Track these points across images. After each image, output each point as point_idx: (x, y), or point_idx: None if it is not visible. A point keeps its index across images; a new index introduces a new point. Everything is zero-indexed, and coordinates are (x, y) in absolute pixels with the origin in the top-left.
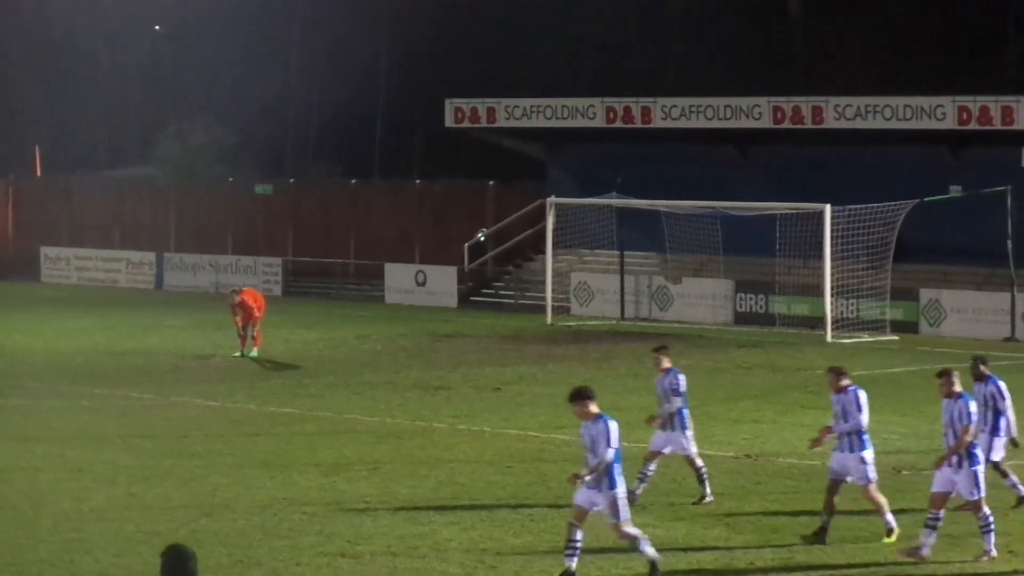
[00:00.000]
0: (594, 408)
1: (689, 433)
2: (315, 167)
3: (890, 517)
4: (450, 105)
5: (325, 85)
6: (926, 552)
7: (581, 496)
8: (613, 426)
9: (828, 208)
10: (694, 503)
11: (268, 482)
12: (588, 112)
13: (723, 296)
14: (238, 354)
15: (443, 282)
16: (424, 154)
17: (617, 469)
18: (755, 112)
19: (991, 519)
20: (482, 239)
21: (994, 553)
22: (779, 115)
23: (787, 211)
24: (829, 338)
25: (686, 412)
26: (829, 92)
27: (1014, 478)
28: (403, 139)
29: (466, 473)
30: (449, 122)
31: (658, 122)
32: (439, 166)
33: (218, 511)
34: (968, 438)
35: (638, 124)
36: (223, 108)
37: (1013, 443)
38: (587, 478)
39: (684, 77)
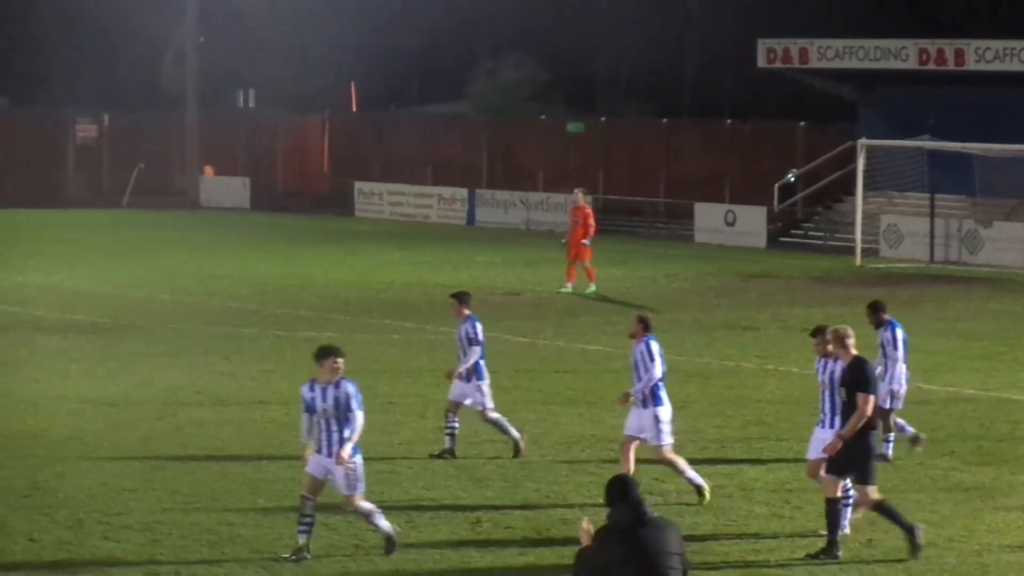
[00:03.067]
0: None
1: (484, 386)
2: (626, 106)
3: None
4: (763, 45)
5: (637, 23)
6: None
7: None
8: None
9: None
10: (513, 456)
11: (576, 418)
12: (900, 54)
13: None
14: (582, 290)
15: (752, 222)
16: (734, 94)
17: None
18: None
19: (850, 492)
20: (792, 180)
21: (847, 531)
22: None
23: None
24: None
25: (483, 363)
26: None
27: (891, 435)
28: (713, 79)
29: (773, 413)
30: (761, 62)
31: (971, 65)
32: (749, 106)
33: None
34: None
35: (951, 67)
36: (535, 46)
37: (891, 395)
38: None
39: (998, 18)
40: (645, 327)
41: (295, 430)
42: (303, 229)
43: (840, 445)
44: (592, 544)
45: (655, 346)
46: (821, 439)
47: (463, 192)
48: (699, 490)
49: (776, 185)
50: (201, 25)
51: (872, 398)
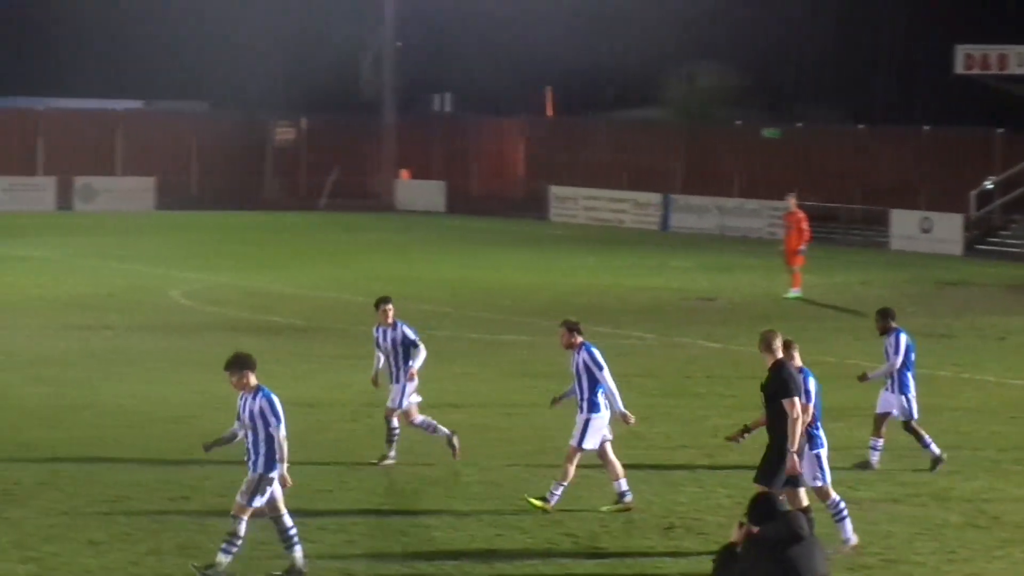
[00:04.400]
0: None
1: (401, 387)
2: (821, 111)
3: None
4: (960, 51)
5: (832, 29)
6: None
7: None
8: None
9: None
10: (374, 463)
11: None
12: None
13: None
14: (792, 295)
15: (949, 229)
16: (930, 100)
17: None
18: None
19: (842, 505)
20: (990, 187)
21: (854, 541)
22: None
23: None
24: None
25: (412, 364)
26: None
27: (880, 442)
28: (909, 85)
29: (968, 422)
30: (959, 68)
31: None
32: (946, 112)
33: (719, 452)
34: (807, 418)
35: None
36: (731, 51)
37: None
38: None
39: None
40: (578, 332)
41: (490, 431)
42: (497, 233)
43: (795, 459)
44: (744, 558)
45: (597, 352)
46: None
47: (657, 197)
48: (543, 499)
49: (972, 192)
50: (398, 30)
51: (798, 400)
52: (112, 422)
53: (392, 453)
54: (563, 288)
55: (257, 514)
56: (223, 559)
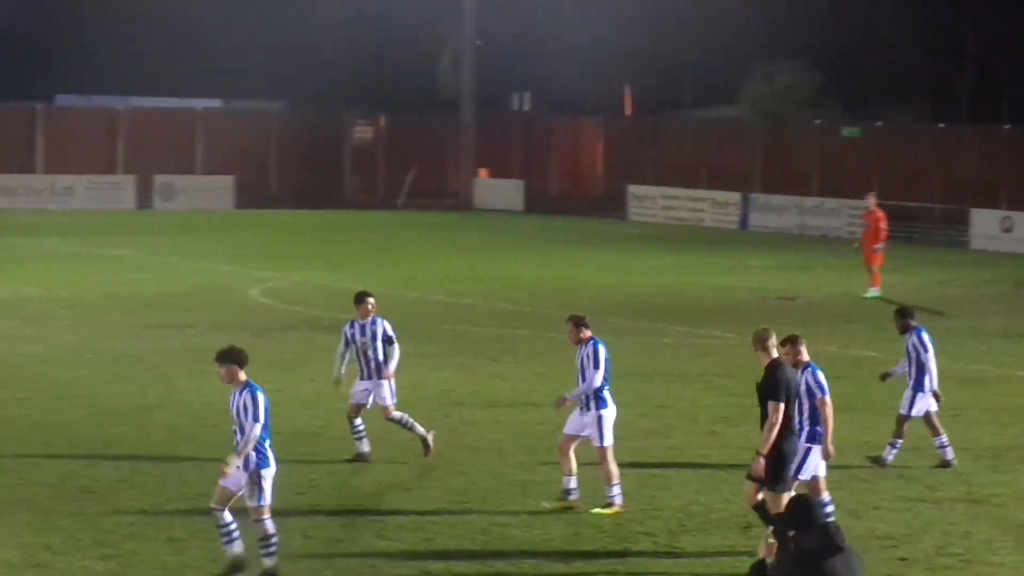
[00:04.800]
0: None
1: (389, 385)
2: (900, 110)
3: None
4: None
5: (913, 28)
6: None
7: None
8: None
9: None
10: (423, 454)
11: (848, 424)
12: None
13: None
14: (871, 294)
15: None
16: (1014, 99)
17: None
18: None
19: (831, 508)
20: None
21: None
22: None
23: None
24: None
25: (388, 366)
26: None
27: (944, 438)
28: (990, 83)
29: None
30: None
31: None
32: None
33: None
34: (828, 409)
35: None
36: (810, 50)
37: (935, 397)
38: None
39: None
40: (585, 327)
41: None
42: (576, 232)
43: (763, 463)
44: (781, 570)
45: (602, 350)
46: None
47: (736, 196)
48: (608, 504)
49: None
50: (478, 29)
51: (782, 405)
52: (191, 421)
53: (422, 431)
54: (641, 287)
55: (222, 506)
56: (269, 563)
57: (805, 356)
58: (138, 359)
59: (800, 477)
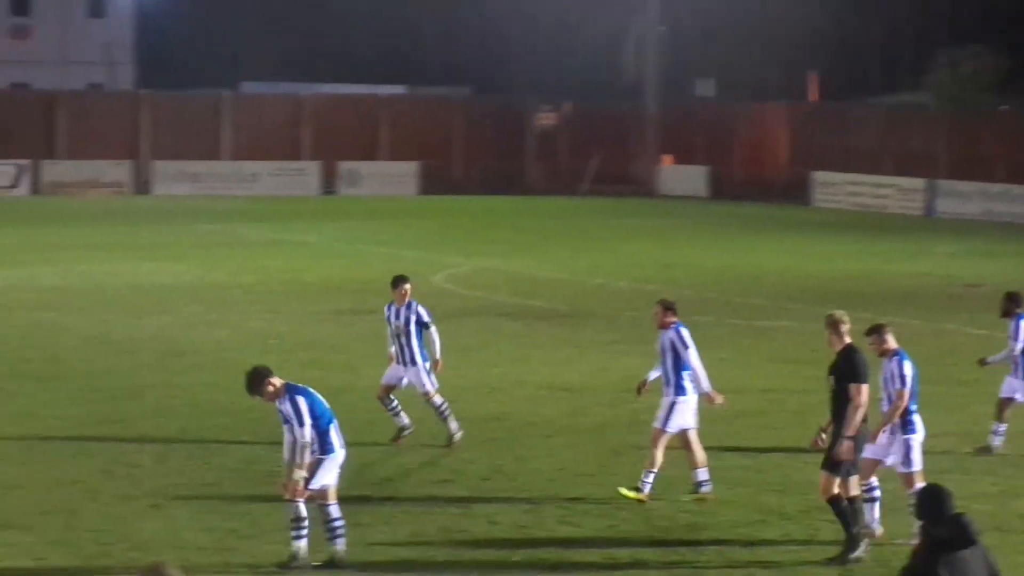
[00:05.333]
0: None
1: (426, 366)
2: None
3: None
4: None
5: None
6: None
7: None
8: None
9: None
10: (445, 445)
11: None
12: None
13: None
14: None
15: None
16: None
17: None
18: None
19: (875, 489)
20: None
21: (878, 531)
22: None
23: None
24: None
25: (421, 345)
26: None
27: (1004, 427)
28: None
29: None
30: None
31: None
32: None
33: (983, 439)
34: (902, 403)
35: None
36: (996, 36)
37: None
38: None
39: None
40: (673, 312)
41: (750, 417)
42: (760, 218)
43: (848, 445)
44: (914, 560)
45: (686, 333)
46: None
47: (922, 182)
48: (697, 487)
49: None
50: (662, 14)
51: (864, 387)
52: (375, 405)
53: (454, 426)
54: (825, 274)
55: (316, 497)
56: (339, 547)
57: (893, 344)
58: (322, 344)
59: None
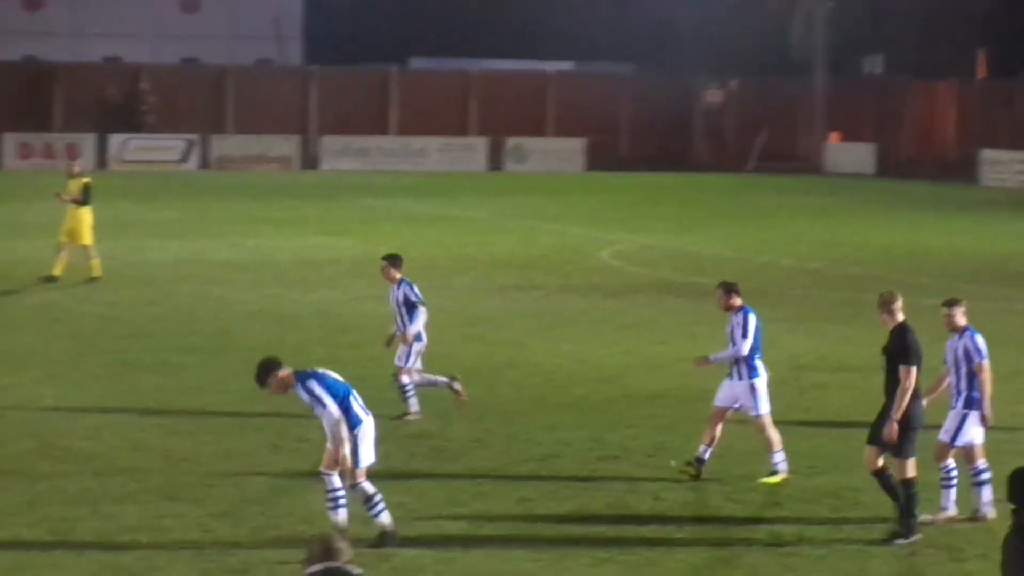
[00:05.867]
0: None
1: (412, 346)
2: None
3: None
4: None
5: None
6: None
7: None
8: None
9: None
10: (395, 418)
11: None
12: None
13: None
14: None
15: None
16: None
17: None
18: None
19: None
20: None
21: (952, 512)
22: None
23: None
24: None
25: (408, 328)
26: None
27: None
28: None
29: None
30: None
31: None
32: None
33: None
34: (989, 374)
35: None
36: None
37: None
38: None
39: None
40: (736, 294)
41: None
42: (926, 196)
43: (894, 427)
44: (1006, 545)
45: (752, 318)
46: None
47: None
48: (773, 473)
49: None
50: None
51: (914, 369)
52: (541, 381)
53: (413, 410)
54: (993, 253)
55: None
56: (384, 520)
57: (962, 320)
58: (489, 320)
59: (956, 444)
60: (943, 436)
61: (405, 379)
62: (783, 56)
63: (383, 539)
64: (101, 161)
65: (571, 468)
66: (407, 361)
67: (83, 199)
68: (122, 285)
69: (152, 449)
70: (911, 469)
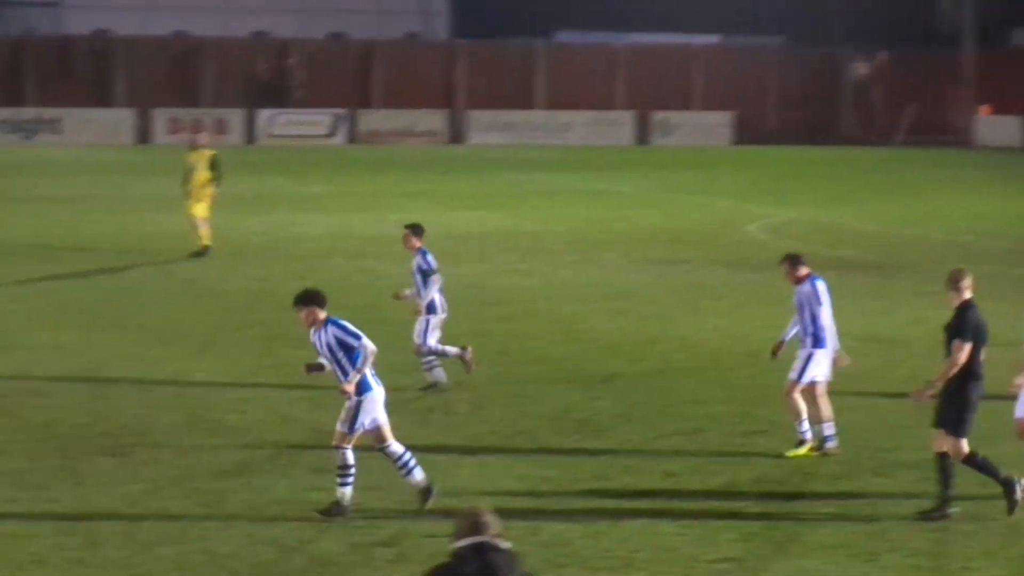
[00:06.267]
0: None
1: (429, 320)
2: None
3: None
4: None
5: None
6: None
7: None
8: None
9: None
10: (422, 388)
11: None
12: None
13: None
14: None
15: None
16: None
17: None
18: None
19: None
20: None
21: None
22: None
23: None
24: None
25: (437, 297)
26: None
27: None
28: None
29: None
30: None
31: None
32: None
33: None
34: None
35: None
36: None
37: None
38: None
39: None
40: (802, 264)
41: None
42: None
43: (929, 392)
44: None
45: (822, 285)
46: None
47: None
48: (800, 443)
49: None
50: None
51: (967, 346)
52: (688, 355)
53: (439, 383)
54: None
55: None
56: (343, 492)
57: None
58: (635, 294)
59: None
60: None
61: (426, 351)
62: (932, 28)
63: (424, 495)
64: (249, 136)
65: (718, 443)
66: (424, 338)
67: (216, 175)
68: (271, 259)
69: (300, 422)
70: (964, 447)
